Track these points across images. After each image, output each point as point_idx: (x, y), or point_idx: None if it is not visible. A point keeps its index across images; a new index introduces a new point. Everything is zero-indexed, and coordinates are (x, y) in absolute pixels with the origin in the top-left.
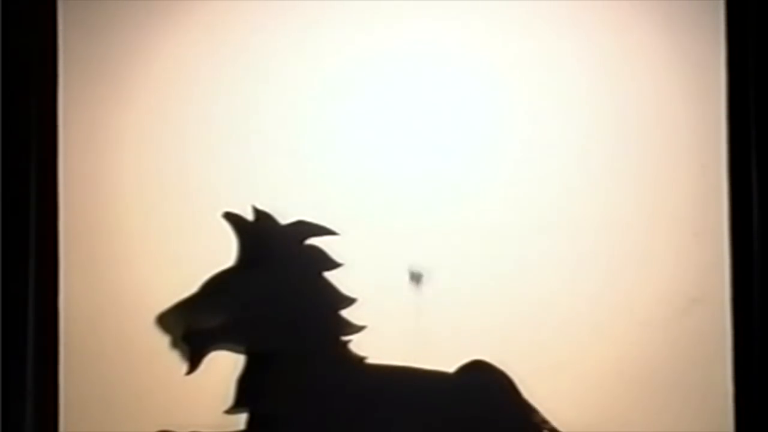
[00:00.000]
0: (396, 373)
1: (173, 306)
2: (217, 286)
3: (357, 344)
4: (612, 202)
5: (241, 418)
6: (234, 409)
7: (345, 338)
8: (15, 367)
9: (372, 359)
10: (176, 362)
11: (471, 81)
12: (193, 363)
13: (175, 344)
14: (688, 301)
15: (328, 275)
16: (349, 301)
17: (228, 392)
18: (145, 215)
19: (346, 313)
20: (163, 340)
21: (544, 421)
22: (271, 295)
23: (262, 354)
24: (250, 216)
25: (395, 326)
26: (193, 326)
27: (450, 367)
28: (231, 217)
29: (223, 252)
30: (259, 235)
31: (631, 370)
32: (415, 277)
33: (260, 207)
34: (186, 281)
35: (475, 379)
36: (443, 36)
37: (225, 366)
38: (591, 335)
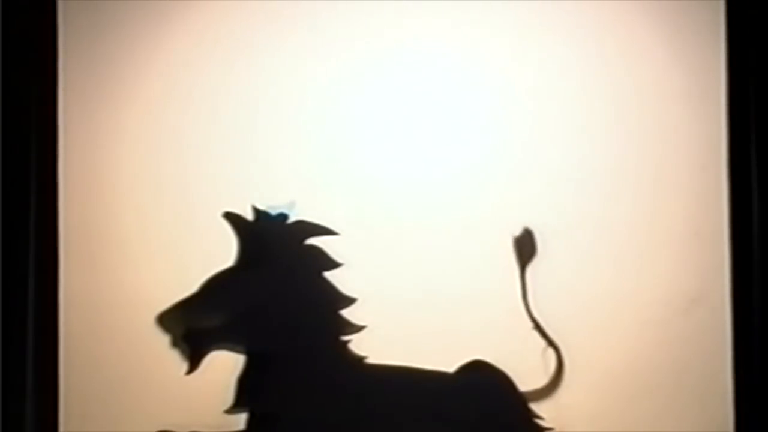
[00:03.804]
0: (396, 373)
1: (173, 306)
2: (217, 286)
3: (357, 344)
4: (612, 202)
5: (241, 418)
6: (234, 409)
7: (345, 338)
8: (15, 367)
9: (372, 359)
10: (176, 362)
11: (471, 83)
12: (193, 363)
13: (175, 344)
14: (689, 301)
15: (328, 275)
16: (349, 301)
17: (228, 392)
18: (145, 215)
19: (346, 313)
20: (163, 340)
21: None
22: (271, 295)
23: (262, 354)
24: (250, 216)
25: (395, 326)
26: (193, 326)
27: (450, 367)
28: (231, 217)
29: (223, 252)
30: (259, 235)
31: (632, 370)
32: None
33: (260, 207)
34: (186, 281)
35: (475, 379)
36: (445, 38)
37: (225, 366)
38: (591, 335)
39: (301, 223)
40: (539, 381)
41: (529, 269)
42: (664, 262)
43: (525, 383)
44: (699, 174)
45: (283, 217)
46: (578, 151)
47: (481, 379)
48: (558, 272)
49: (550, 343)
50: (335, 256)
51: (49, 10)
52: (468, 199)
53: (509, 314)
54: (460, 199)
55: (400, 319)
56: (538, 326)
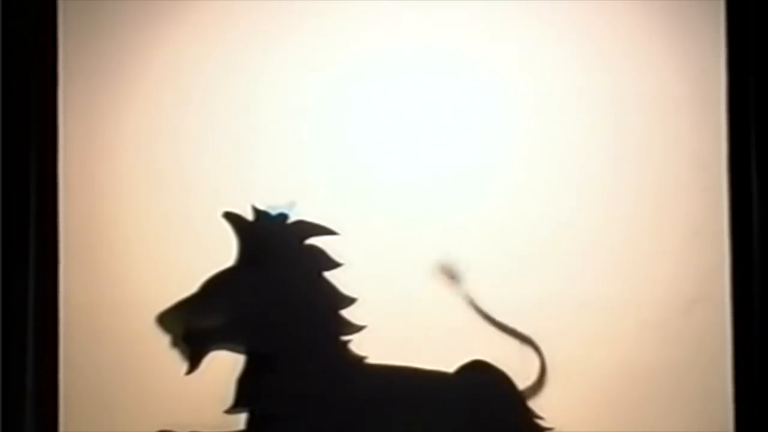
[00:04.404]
0: (396, 373)
1: (173, 306)
2: (217, 286)
3: (357, 344)
4: (613, 202)
5: (241, 418)
6: (234, 409)
7: (345, 338)
8: (15, 367)
9: (372, 359)
10: (176, 362)
11: (472, 83)
12: (193, 363)
13: (175, 344)
14: (689, 301)
15: (328, 275)
16: (349, 301)
17: (228, 392)
18: (145, 215)
19: (346, 313)
20: (163, 340)
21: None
22: (271, 295)
23: (262, 354)
24: (250, 216)
25: (395, 326)
26: (193, 326)
27: (450, 367)
28: (231, 217)
29: (223, 252)
30: (259, 235)
31: (632, 370)
32: (450, 275)
33: (260, 207)
34: (186, 281)
35: (475, 379)
36: (446, 38)
37: (225, 366)
38: (592, 335)
39: (301, 223)
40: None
41: (530, 269)
42: (664, 262)
43: (525, 383)
44: (699, 174)
45: (283, 217)
46: (578, 151)
47: (481, 379)
48: (559, 272)
49: (525, 339)
50: (335, 256)
51: (49, 10)
52: (468, 200)
53: (510, 314)
54: (459, 200)
55: (400, 319)
56: (506, 329)
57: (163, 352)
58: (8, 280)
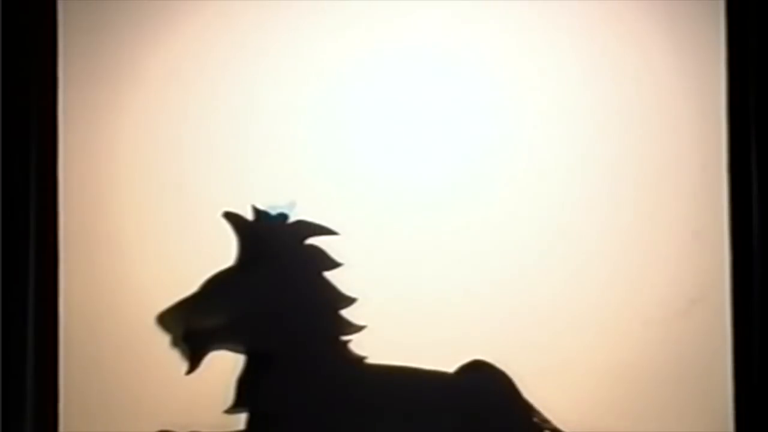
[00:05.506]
0: (396, 373)
1: (173, 306)
2: (217, 286)
3: (357, 344)
4: (612, 202)
5: (241, 418)
6: (234, 409)
7: (345, 338)
8: (15, 367)
9: (372, 359)
10: (176, 362)
11: (472, 81)
12: (193, 363)
13: (175, 344)
14: (689, 301)
15: (328, 275)
16: (349, 301)
17: (228, 392)
18: (145, 215)
19: (346, 313)
20: (163, 340)
21: (545, 421)
22: (271, 295)
23: (262, 354)
24: (250, 216)
25: (395, 326)
26: (193, 326)
27: (450, 367)
28: (231, 217)
29: (223, 252)
30: (259, 234)
31: (632, 371)
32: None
33: (260, 207)
34: (186, 281)
35: (475, 379)
36: (444, 36)
37: (225, 366)
38: (591, 336)
39: (301, 223)
40: (539, 381)
41: (529, 269)
42: (664, 262)
43: (525, 384)
44: (699, 174)
45: (283, 217)
46: (577, 150)
47: (481, 379)
48: (558, 272)
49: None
50: (335, 256)
51: (49, 10)
52: (469, 199)
53: (510, 314)
54: (460, 199)
55: (400, 319)
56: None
57: (163, 352)
58: (8, 280)
